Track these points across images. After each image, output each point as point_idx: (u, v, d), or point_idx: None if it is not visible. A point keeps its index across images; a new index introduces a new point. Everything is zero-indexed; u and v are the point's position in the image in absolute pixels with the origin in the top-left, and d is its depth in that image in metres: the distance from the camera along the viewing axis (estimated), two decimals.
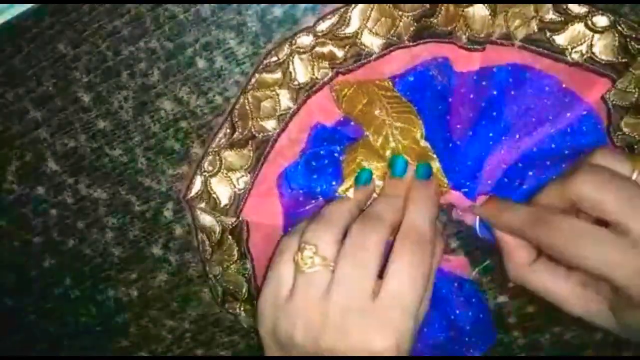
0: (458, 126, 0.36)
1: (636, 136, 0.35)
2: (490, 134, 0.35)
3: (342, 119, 0.37)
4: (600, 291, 0.30)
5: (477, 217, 0.35)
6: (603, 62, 0.34)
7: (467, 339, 0.38)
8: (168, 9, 0.36)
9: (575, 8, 0.33)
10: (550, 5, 0.33)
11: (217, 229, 0.38)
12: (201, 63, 0.37)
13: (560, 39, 0.34)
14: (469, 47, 0.34)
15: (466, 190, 0.36)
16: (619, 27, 0.33)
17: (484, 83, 0.35)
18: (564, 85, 0.35)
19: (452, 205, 0.37)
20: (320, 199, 0.37)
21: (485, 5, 0.33)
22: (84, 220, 0.41)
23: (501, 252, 0.33)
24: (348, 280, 0.30)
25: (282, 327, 0.31)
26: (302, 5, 0.35)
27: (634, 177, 0.29)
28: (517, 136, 0.35)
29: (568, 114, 0.35)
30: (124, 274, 0.42)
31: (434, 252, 0.31)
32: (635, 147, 0.35)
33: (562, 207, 0.30)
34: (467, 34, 0.34)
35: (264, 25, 0.36)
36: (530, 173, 0.35)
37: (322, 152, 0.36)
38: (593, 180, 0.28)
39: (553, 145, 0.35)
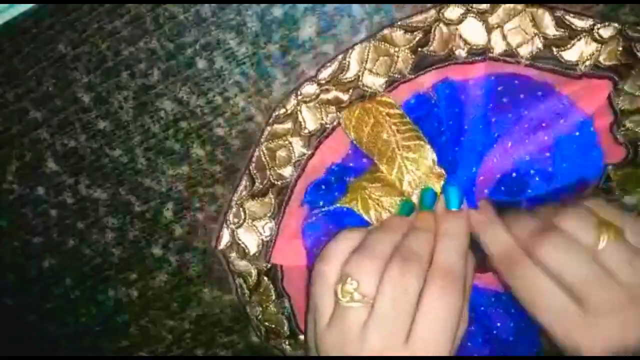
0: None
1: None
2: (481, 144, 0.35)
3: (350, 152, 0.38)
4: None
5: None
6: (606, 66, 0.34)
7: (512, 348, 0.38)
8: (168, 9, 0.36)
9: (578, 22, 0.33)
10: (550, 20, 0.33)
11: (253, 272, 0.39)
12: (201, 63, 0.37)
13: (570, 55, 0.34)
14: (470, 60, 0.35)
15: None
16: (624, 33, 0.33)
17: (477, 92, 0.35)
18: (557, 91, 0.35)
19: None
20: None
21: (479, 20, 0.34)
22: (84, 221, 0.41)
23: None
24: (385, 322, 0.29)
25: (322, 354, 0.32)
26: (302, 5, 0.35)
27: (600, 246, 0.29)
28: (509, 144, 0.35)
29: (562, 121, 0.35)
30: (124, 274, 0.42)
31: (466, 284, 0.31)
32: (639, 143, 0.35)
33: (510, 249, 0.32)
34: (465, 48, 0.34)
35: (264, 26, 0.36)
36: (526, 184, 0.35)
37: (333, 178, 0.38)
38: (555, 249, 0.30)
39: (547, 154, 0.35)
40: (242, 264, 0.39)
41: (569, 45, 0.34)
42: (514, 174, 0.36)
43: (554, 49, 0.34)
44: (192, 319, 0.43)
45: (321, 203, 0.37)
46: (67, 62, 0.37)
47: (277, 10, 0.35)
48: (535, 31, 0.34)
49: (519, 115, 0.35)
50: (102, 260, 0.42)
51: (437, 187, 0.35)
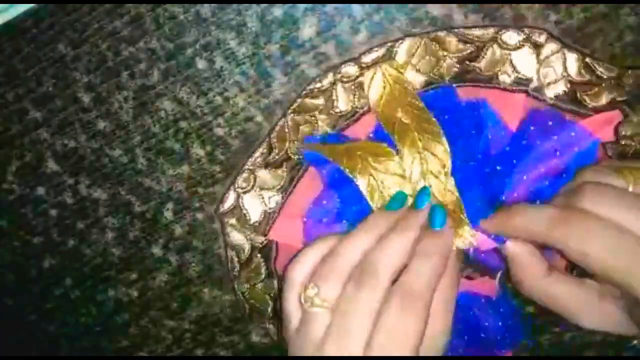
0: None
1: (632, 143, 0.35)
2: (503, 177, 0.35)
3: (372, 136, 0.37)
4: (618, 300, 0.29)
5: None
6: (619, 101, 0.35)
7: (496, 343, 0.38)
8: (168, 10, 0.36)
9: (604, 71, 0.34)
10: (578, 64, 0.34)
11: (247, 247, 0.39)
12: (201, 63, 0.37)
13: (593, 100, 0.35)
14: (511, 88, 0.35)
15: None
16: None
17: (512, 121, 0.35)
18: (567, 118, 0.35)
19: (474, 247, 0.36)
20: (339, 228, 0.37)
21: (532, 49, 0.34)
22: (84, 221, 0.41)
23: (512, 265, 0.32)
24: (341, 331, 0.29)
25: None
26: (302, 5, 0.35)
27: (631, 188, 0.28)
28: (525, 177, 0.35)
29: (576, 149, 0.35)
30: (124, 274, 0.42)
31: (427, 309, 0.30)
32: (629, 155, 0.35)
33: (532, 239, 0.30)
34: (512, 76, 0.35)
35: (264, 26, 0.36)
36: None
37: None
38: (588, 241, 0.28)
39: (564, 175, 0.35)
40: (237, 237, 0.39)
41: (592, 92, 0.35)
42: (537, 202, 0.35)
43: (578, 93, 0.35)
44: (192, 319, 0.43)
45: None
46: (67, 62, 0.37)
47: (277, 10, 0.35)
48: (564, 73, 0.35)
49: (530, 145, 0.35)
50: (102, 260, 0.42)
51: (444, 192, 0.34)
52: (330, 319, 0.30)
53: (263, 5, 0.35)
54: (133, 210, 0.40)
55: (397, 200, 0.34)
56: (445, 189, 0.34)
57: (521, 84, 0.35)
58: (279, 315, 0.40)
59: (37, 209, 0.41)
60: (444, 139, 0.34)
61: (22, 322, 0.44)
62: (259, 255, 0.39)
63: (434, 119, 0.35)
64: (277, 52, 0.36)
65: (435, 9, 0.35)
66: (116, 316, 0.43)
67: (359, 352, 0.29)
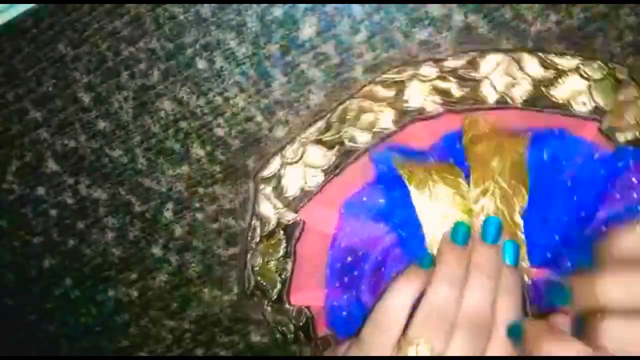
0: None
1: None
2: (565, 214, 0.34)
3: (441, 144, 0.36)
4: None
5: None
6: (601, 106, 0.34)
7: None
8: (168, 10, 0.36)
9: (564, 62, 0.34)
10: (536, 63, 0.34)
11: (273, 219, 0.38)
12: (201, 63, 0.37)
13: (560, 93, 0.34)
14: (587, 116, 0.34)
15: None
16: (612, 73, 0.34)
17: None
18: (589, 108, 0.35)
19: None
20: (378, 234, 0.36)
21: (612, 83, 0.34)
22: (84, 221, 0.41)
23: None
24: None
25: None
26: (302, 6, 0.35)
27: None
28: (583, 213, 0.34)
29: (602, 171, 0.34)
30: (124, 274, 0.42)
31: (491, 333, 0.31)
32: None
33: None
34: (589, 105, 0.34)
35: (264, 26, 0.36)
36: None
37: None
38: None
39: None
40: (267, 208, 0.38)
41: (557, 84, 0.34)
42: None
43: (543, 89, 0.34)
44: (192, 319, 0.43)
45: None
46: (67, 62, 0.37)
47: (277, 10, 0.35)
48: (522, 75, 0.34)
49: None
50: (102, 260, 0.42)
51: (515, 237, 0.33)
52: None
53: (263, 5, 0.35)
54: (133, 210, 0.40)
55: (462, 233, 0.33)
56: (510, 226, 0.33)
57: (597, 113, 0.35)
58: (282, 299, 0.39)
59: (37, 209, 0.41)
60: (526, 191, 0.33)
61: (22, 322, 0.44)
62: (282, 231, 0.38)
63: (526, 171, 0.33)
64: (277, 52, 0.36)
65: (435, 9, 0.35)
66: (116, 316, 0.43)
67: None
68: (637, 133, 0.34)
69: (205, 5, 0.35)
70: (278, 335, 0.41)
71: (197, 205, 0.40)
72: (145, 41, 0.36)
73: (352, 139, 0.36)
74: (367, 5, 0.35)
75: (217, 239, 0.41)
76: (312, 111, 0.38)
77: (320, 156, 0.37)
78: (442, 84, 0.35)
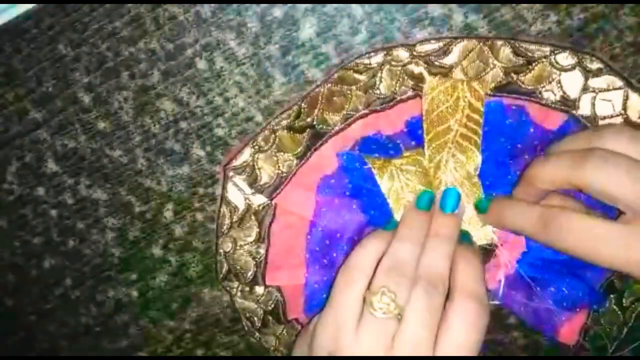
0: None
1: None
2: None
3: (405, 130, 0.37)
4: None
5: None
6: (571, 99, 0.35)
7: None
8: (168, 10, 0.36)
9: (537, 51, 0.35)
10: (508, 51, 0.35)
11: (242, 207, 0.38)
12: (201, 64, 0.37)
13: (529, 80, 0.35)
14: (553, 106, 0.35)
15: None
16: (583, 64, 0.34)
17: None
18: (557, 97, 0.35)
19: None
20: (355, 208, 0.37)
21: (581, 72, 0.34)
22: (84, 221, 0.41)
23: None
24: (415, 335, 0.31)
25: (324, 340, 0.32)
26: (302, 6, 0.35)
27: None
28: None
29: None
30: (124, 274, 0.42)
31: (446, 290, 0.32)
32: None
33: (559, 186, 0.31)
34: (557, 94, 0.35)
35: (264, 26, 0.36)
36: None
37: (374, 145, 0.37)
38: (608, 173, 0.29)
39: None
40: (235, 195, 0.38)
41: (527, 71, 0.35)
42: None
43: (514, 76, 0.35)
44: (192, 319, 0.43)
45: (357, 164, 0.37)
46: (67, 62, 0.37)
47: (277, 11, 0.35)
48: (494, 61, 0.35)
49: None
50: (102, 260, 0.42)
51: (469, 197, 0.36)
52: (397, 328, 0.31)
53: (263, 5, 0.35)
54: (133, 210, 0.40)
55: (425, 199, 0.35)
56: (470, 191, 0.36)
57: (566, 104, 0.35)
58: (256, 282, 0.40)
59: (37, 209, 0.41)
60: (478, 151, 0.35)
61: (22, 322, 0.44)
62: (253, 217, 0.39)
63: (480, 132, 0.35)
64: (277, 52, 0.36)
65: (435, 9, 0.35)
66: (116, 316, 0.43)
67: (430, 351, 0.30)
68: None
69: (205, 5, 0.35)
70: (245, 322, 0.41)
71: (197, 205, 0.40)
72: (145, 41, 0.36)
73: (322, 122, 0.37)
74: (367, 5, 0.35)
75: (216, 239, 0.41)
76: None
77: (291, 141, 0.37)
78: (414, 69, 0.35)
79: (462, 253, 0.33)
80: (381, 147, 0.37)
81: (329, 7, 0.35)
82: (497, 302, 0.37)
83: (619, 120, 0.35)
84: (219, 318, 0.43)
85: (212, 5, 0.35)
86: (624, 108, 0.35)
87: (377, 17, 0.35)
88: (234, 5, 0.35)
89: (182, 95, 0.37)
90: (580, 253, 0.30)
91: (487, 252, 0.37)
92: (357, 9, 0.35)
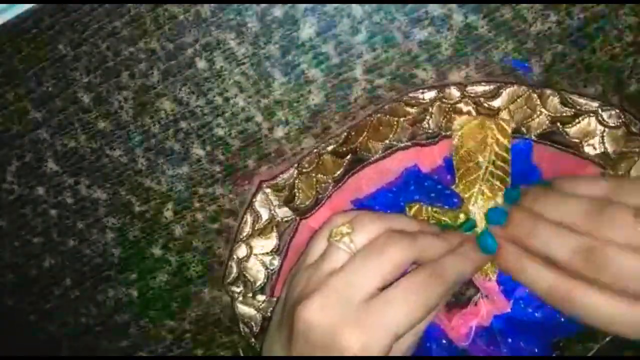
0: None
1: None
2: None
3: (442, 165, 0.37)
4: None
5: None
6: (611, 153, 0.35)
7: None
8: (168, 10, 0.36)
9: (583, 102, 0.35)
10: (556, 100, 0.35)
11: (265, 217, 0.39)
12: (201, 63, 0.37)
13: (574, 132, 0.36)
14: (594, 160, 0.36)
15: (504, 289, 0.36)
16: (627, 122, 0.35)
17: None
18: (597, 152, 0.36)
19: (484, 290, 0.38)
20: None
21: (625, 129, 0.35)
22: (84, 221, 0.41)
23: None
24: (354, 274, 0.30)
25: (293, 283, 0.33)
26: (302, 5, 0.35)
27: None
28: None
29: None
30: (124, 274, 0.42)
31: (443, 297, 0.31)
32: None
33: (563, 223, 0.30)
34: (598, 149, 0.35)
35: (264, 26, 0.36)
36: None
37: (426, 183, 0.37)
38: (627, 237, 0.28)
39: None
40: (261, 207, 0.39)
41: (573, 123, 0.35)
42: None
43: (559, 125, 0.35)
44: (192, 319, 0.43)
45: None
46: (67, 62, 0.37)
47: (277, 10, 0.35)
48: (541, 109, 0.35)
49: None
50: (102, 260, 0.42)
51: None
52: (348, 260, 0.31)
53: (263, 5, 0.35)
54: (133, 210, 0.40)
55: (469, 224, 0.36)
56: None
57: (603, 160, 0.36)
58: (264, 291, 0.40)
59: (37, 209, 0.41)
60: (505, 187, 0.36)
61: (22, 322, 0.44)
62: (275, 228, 0.39)
63: (508, 169, 0.36)
64: (277, 52, 0.36)
65: (435, 9, 0.35)
66: (116, 316, 0.43)
67: (362, 298, 0.30)
68: None
69: (205, 5, 0.35)
70: (243, 327, 0.41)
71: (197, 205, 0.40)
72: (145, 41, 0.36)
73: (365, 149, 0.37)
74: (367, 5, 0.35)
75: (217, 239, 0.41)
76: (312, 111, 0.38)
77: (333, 164, 0.38)
78: (463, 107, 0.36)
79: (464, 250, 0.33)
80: (418, 184, 0.37)
81: (329, 7, 0.35)
82: (464, 345, 0.37)
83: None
84: (219, 318, 0.43)
85: (212, 5, 0.35)
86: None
87: (377, 17, 0.35)
88: (234, 5, 0.35)
89: (182, 95, 0.37)
90: (595, 326, 0.29)
91: (468, 299, 0.38)
92: (357, 9, 0.35)
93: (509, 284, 0.37)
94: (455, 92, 0.36)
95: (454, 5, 0.35)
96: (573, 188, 0.31)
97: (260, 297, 0.40)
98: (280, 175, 0.38)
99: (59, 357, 0.45)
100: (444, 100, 0.36)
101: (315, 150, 0.38)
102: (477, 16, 0.35)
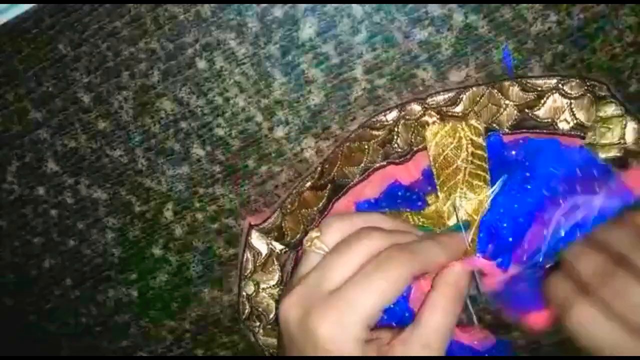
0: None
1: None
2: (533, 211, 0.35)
3: (420, 178, 0.38)
4: None
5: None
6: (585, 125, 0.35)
7: None
8: (168, 10, 0.36)
9: (545, 84, 0.35)
10: (516, 89, 0.36)
11: (265, 252, 0.39)
12: (201, 63, 0.37)
13: (543, 113, 0.36)
14: (571, 133, 0.36)
15: (500, 260, 0.36)
16: (590, 90, 0.35)
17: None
18: (571, 124, 0.36)
19: (482, 274, 0.37)
20: None
21: (592, 99, 0.35)
22: (84, 221, 0.41)
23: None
24: (324, 268, 0.31)
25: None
26: (302, 5, 0.35)
27: None
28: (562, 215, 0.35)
29: (596, 184, 0.35)
30: (124, 274, 0.42)
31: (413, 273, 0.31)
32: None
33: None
34: (571, 122, 0.35)
35: (264, 26, 0.36)
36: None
37: (400, 193, 0.38)
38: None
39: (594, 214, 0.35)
40: (258, 242, 0.39)
41: (540, 105, 0.35)
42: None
43: (527, 111, 0.36)
44: (192, 319, 0.43)
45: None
46: (67, 62, 0.37)
47: (277, 10, 0.35)
48: (621, 140, 0.35)
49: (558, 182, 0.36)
50: (102, 260, 0.42)
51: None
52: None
53: (263, 5, 0.35)
54: (133, 210, 0.40)
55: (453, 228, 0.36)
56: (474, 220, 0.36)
57: (580, 130, 0.36)
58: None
59: (37, 209, 0.41)
60: (488, 187, 0.36)
61: (22, 322, 0.44)
62: (276, 261, 0.39)
63: (486, 166, 0.36)
64: (277, 52, 0.36)
65: (435, 9, 0.35)
66: (116, 316, 0.43)
67: (329, 289, 0.30)
68: (618, 151, 0.35)
69: (205, 5, 0.35)
70: (268, 354, 0.41)
71: (197, 205, 0.40)
72: (145, 41, 0.36)
73: (342, 176, 0.38)
74: (367, 5, 0.35)
75: (217, 239, 0.41)
76: (312, 111, 0.38)
77: (314, 198, 0.38)
78: (428, 119, 0.37)
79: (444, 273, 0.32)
80: (405, 199, 0.37)
81: (329, 7, 0.35)
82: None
83: (616, 148, 0.35)
84: (219, 318, 0.43)
85: (212, 5, 0.35)
86: (622, 137, 0.35)
87: (377, 17, 0.35)
88: (234, 5, 0.35)
89: (182, 95, 0.37)
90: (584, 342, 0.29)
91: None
92: (357, 9, 0.35)
93: (493, 253, 0.36)
94: (416, 107, 0.36)
95: (454, 5, 0.35)
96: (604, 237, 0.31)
97: None
98: (267, 221, 0.39)
99: (59, 357, 0.45)
100: (407, 117, 0.36)
101: (294, 191, 0.38)
102: (477, 16, 0.35)
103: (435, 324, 0.30)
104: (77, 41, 0.37)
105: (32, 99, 0.38)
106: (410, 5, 0.35)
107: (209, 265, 0.41)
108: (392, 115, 0.37)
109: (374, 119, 0.37)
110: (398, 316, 0.35)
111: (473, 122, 0.36)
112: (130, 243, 0.41)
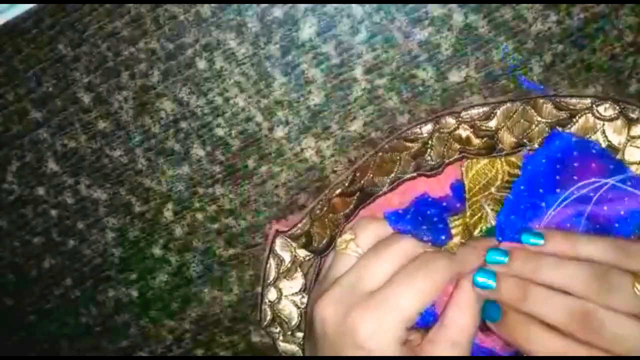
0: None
1: None
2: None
3: (449, 194, 0.38)
4: None
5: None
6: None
7: None
8: (168, 10, 0.36)
9: (579, 104, 0.35)
10: (550, 106, 0.36)
11: (288, 259, 0.39)
12: (201, 64, 0.37)
13: (574, 131, 0.36)
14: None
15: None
16: (624, 112, 0.35)
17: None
18: (603, 146, 0.35)
19: None
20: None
21: (625, 123, 0.35)
22: (84, 221, 0.41)
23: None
24: (363, 269, 0.31)
25: (311, 298, 0.34)
26: (302, 5, 0.35)
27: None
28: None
29: (611, 180, 0.34)
30: (124, 274, 0.42)
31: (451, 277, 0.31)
32: None
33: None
34: (604, 144, 0.35)
35: (264, 26, 0.36)
36: None
37: (429, 212, 0.37)
38: None
39: (605, 208, 0.34)
40: (283, 247, 0.39)
41: (571, 124, 0.35)
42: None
43: (559, 129, 0.36)
44: (192, 319, 0.43)
45: (425, 238, 0.37)
46: (67, 62, 0.37)
47: (277, 10, 0.35)
48: (538, 118, 0.36)
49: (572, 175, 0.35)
50: (102, 260, 0.42)
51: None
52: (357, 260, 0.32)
53: (263, 5, 0.35)
54: (133, 210, 0.40)
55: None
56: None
57: (611, 151, 0.35)
58: (300, 329, 0.41)
59: (37, 209, 0.41)
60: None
61: (22, 322, 0.44)
62: (299, 268, 0.40)
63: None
64: (277, 52, 0.36)
65: (435, 9, 0.35)
66: (116, 316, 0.43)
67: (369, 289, 0.30)
68: None
69: (205, 5, 0.35)
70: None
71: (197, 205, 0.40)
72: (145, 41, 0.36)
73: (371, 185, 0.38)
74: (367, 5, 0.35)
75: (217, 239, 0.41)
76: (312, 111, 0.38)
77: (342, 204, 0.38)
78: (461, 133, 0.37)
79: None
80: (431, 223, 0.37)
81: (329, 7, 0.35)
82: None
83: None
84: (219, 318, 0.43)
85: (212, 5, 0.35)
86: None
87: (377, 17, 0.35)
88: (234, 5, 0.35)
89: (182, 95, 0.37)
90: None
91: None
92: (357, 9, 0.35)
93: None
94: (451, 120, 0.36)
95: (454, 5, 0.35)
96: (573, 248, 0.31)
97: (299, 334, 0.41)
98: (295, 227, 0.39)
99: (59, 357, 0.45)
100: (441, 130, 0.37)
101: (324, 197, 0.38)
102: (477, 16, 0.35)
103: (461, 323, 0.31)
104: (77, 41, 0.37)
105: (32, 99, 0.38)
106: (410, 5, 0.35)
107: (209, 265, 0.41)
108: (427, 128, 0.37)
109: (409, 131, 0.37)
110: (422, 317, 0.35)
111: (514, 158, 0.36)
112: (130, 243, 0.41)
